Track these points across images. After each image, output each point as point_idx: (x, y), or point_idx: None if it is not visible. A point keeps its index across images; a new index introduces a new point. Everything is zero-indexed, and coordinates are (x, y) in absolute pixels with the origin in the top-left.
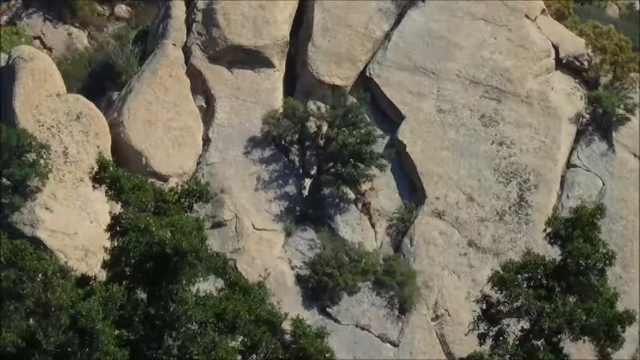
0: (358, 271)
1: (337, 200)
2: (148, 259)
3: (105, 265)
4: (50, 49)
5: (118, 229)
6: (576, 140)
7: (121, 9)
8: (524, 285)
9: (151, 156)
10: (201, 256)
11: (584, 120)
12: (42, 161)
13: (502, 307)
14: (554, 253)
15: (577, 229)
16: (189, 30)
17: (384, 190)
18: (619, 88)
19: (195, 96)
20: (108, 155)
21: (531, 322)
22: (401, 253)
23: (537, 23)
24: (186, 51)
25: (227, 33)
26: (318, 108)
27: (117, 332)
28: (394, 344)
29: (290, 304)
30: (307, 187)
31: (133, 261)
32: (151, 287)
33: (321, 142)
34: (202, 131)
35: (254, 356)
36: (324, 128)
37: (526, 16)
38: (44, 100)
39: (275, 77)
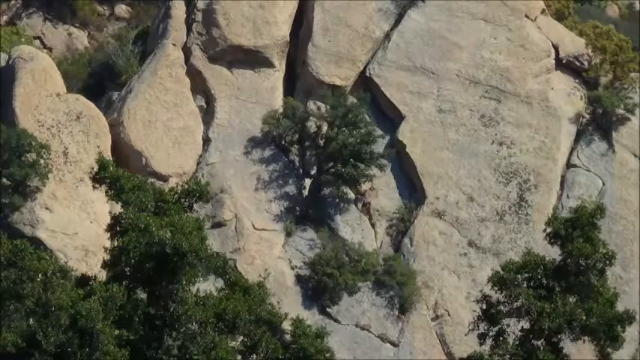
0: (358, 271)
1: (337, 200)
2: (148, 259)
3: (105, 265)
4: (50, 49)
5: (118, 229)
6: (576, 140)
7: (121, 9)
8: (524, 285)
9: (151, 156)
10: (201, 256)
11: (584, 120)
12: (42, 161)
13: (502, 307)
14: (554, 253)
15: (577, 229)
16: (189, 30)
17: (384, 190)
18: (619, 88)
19: (195, 96)
20: (108, 155)
21: (531, 322)
22: (401, 253)
23: (537, 23)
24: (186, 51)
25: (227, 33)
26: (318, 108)
27: (117, 332)
28: (394, 344)
29: (290, 304)
30: (307, 187)
31: (133, 261)
32: (151, 287)
33: (321, 142)
34: (202, 131)
35: (254, 356)
36: (324, 128)
37: (526, 16)
38: (44, 100)
39: (275, 77)
